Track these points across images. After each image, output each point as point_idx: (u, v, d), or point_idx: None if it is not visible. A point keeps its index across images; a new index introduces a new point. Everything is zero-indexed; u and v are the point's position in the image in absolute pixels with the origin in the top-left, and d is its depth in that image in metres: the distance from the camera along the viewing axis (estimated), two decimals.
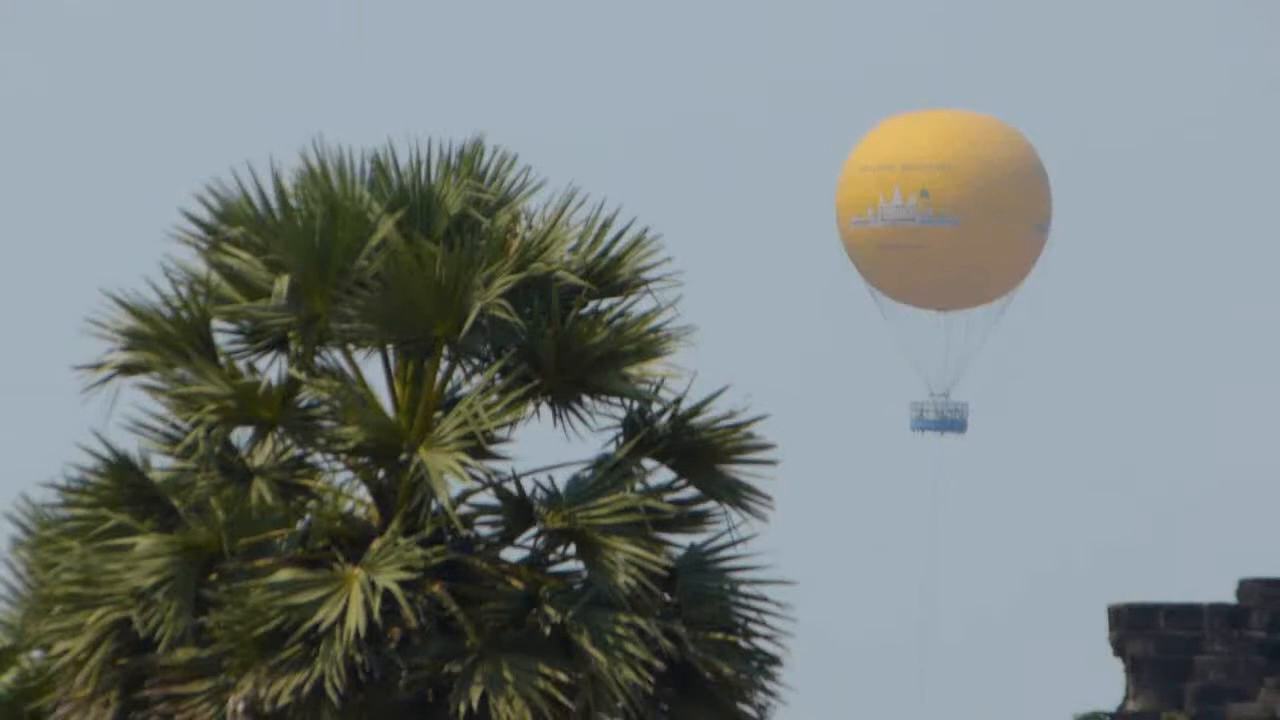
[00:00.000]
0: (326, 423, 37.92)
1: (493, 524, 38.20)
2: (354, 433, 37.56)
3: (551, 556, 38.06)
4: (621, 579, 36.96)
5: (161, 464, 38.01)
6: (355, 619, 35.67)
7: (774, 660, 38.55)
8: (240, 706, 36.61)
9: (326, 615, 35.80)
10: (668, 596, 37.45)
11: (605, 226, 38.35)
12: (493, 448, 37.61)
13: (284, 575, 36.37)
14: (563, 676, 36.57)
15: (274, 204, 37.86)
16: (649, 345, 37.95)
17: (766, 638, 38.39)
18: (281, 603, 36.02)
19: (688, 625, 37.50)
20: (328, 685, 35.94)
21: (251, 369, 38.32)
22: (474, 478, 37.56)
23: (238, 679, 36.42)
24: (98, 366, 37.96)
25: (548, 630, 36.85)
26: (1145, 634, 76.35)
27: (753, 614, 38.29)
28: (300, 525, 37.27)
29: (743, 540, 38.37)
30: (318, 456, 38.17)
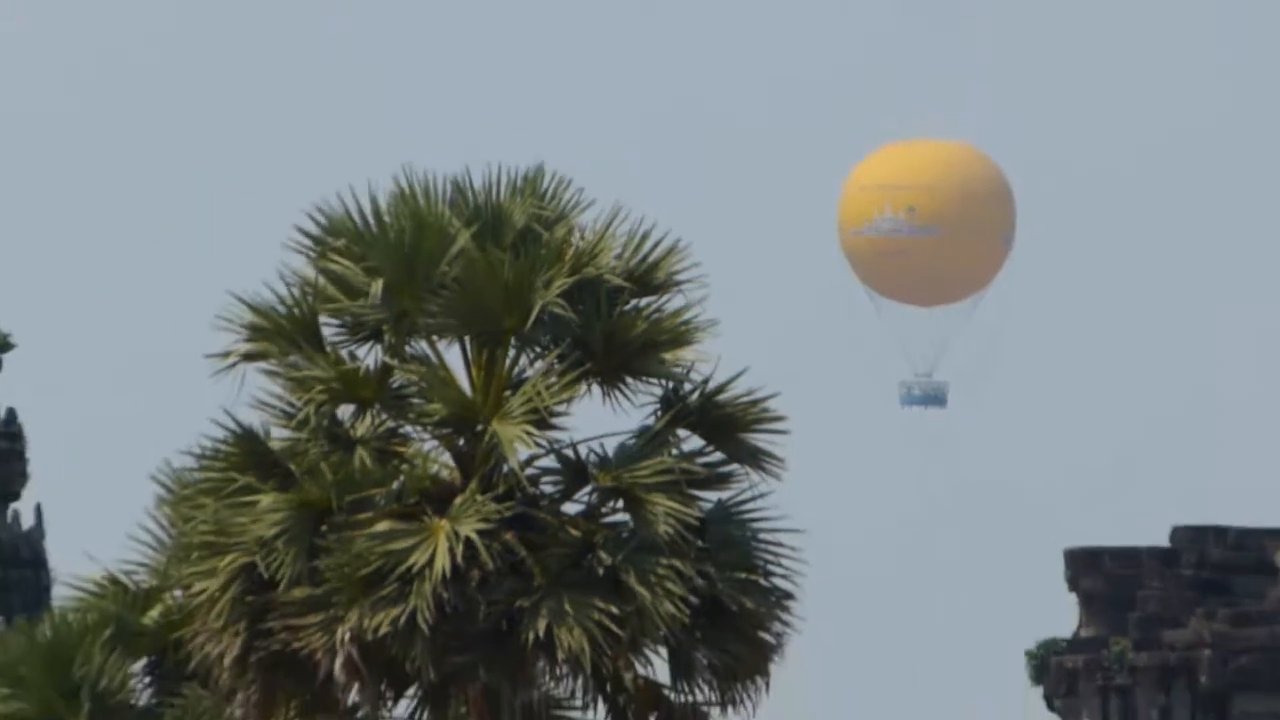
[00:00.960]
0: (415, 400, 38.45)
1: (554, 483, 38.63)
2: (438, 408, 38.09)
3: (603, 510, 38.51)
4: (661, 528, 37.42)
5: (279, 435, 38.52)
6: (441, 562, 36.09)
7: (788, 595, 38.97)
8: (347, 636, 37.02)
9: (418, 559, 36.26)
10: (700, 543, 37.84)
11: (644, 237, 38.77)
12: (553, 420, 38.12)
13: (382, 526, 36.88)
14: (614, 609, 36.93)
15: (370, 220, 38.36)
16: (681, 335, 38.44)
17: (782, 576, 38.83)
18: (380, 549, 36.49)
19: (717, 567, 37.89)
20: (419, 617, 36.38)
21: (352, 356, 38.77)
22: (538, 445, 38.06)
23: (345, 613, 36.82)
24: (226, 355, 38.48)
25: (601, 571, 37.23)
26: (1094, 573, 76.58)
27: (770, 557, 38.72)
28: (395, 485, 37.74)
29: (760, 496, 38.86)
30: (409, 428, 38.63)
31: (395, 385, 38.72)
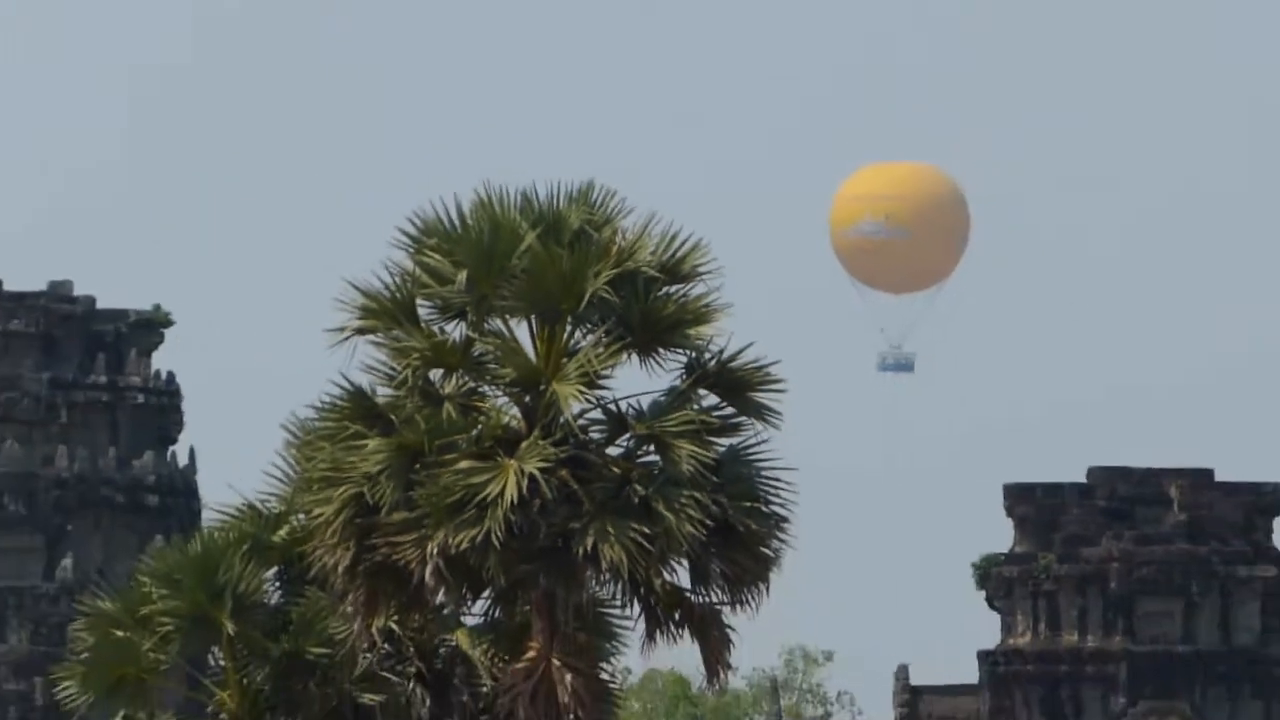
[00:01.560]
0: (491, 366, 38.92)
1: (600, 431, 38.99)
2: (509, 372, 38.51)
3: (639, 452, 38.91)
4: (684, 466, 37.77)
5: (383, 393, 38.96)
6: (510, 492, 36.44)
7: (784, 519, 39.30)
8: (435, 550, 37.39)
9: (492, 490, 36.61)
10: (714, 478, 38.18)
11: (673, 238, 39.15)
12: (600, 382, 38.50)
13: (464, 464, 37.31)
14: (646, 530, 37.29)
15: (456, 223, 38.77)
16: (702, 315, 38.76)
17: (779, 505, 39.18)
18: (462, 482, 36.87)
19: (728, 497, 38.21)
20: (493, 536, 36.76)
21: (442, 331, 39.22)
22: (587, 401, 38.46)
23: (434, 532, 37.22)
24: (342, 330, 38.97)
25: (636, 500, 37.57)
26: (1026, 502, 76.67)
27: (769, 489, 39.08)
28: (474, 432, 38.21)
29: (762, 442, 39.28)
30: (485, 388, 39.04)
31: (475, 354, 39.17)
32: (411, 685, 45.50)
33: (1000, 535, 72.26)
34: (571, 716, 38.50)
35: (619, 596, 39.92)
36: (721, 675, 45.37)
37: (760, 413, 39.81)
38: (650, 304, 38.98)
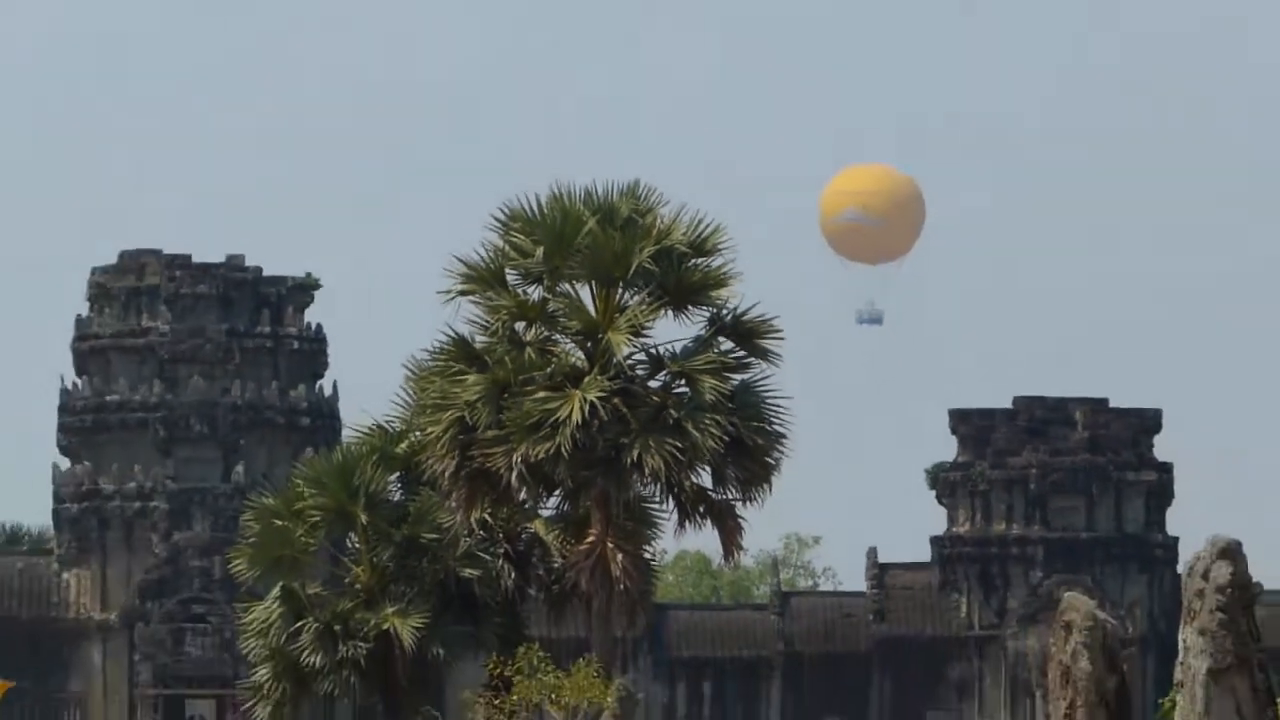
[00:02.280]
0: (561, 319, 38.98)
1: (643, 369, 39.08)
2: (575, 324, 38.62)
3: (673, 385, 38.92)
4: (708, 396, 37.86)
5: (480, 340, 38.94)
6: (575, 415, 36.48)
7: (782, 436, 39.33)
8: (519, 459, 37.78)
9: (562, 413, 36.68)
10: (730, 405, 38.27)
11: (699, 222, 39.44)
12: (644, 332, 38.56)
13: (540, 394, 37.30)
14: (678, 444, 37.34)
15: (535, 211, 38.83)
16: (721, 280, 38.93)
17: (779, 424, 39.20)
18: (540, 407, 36.93)
19: (740, 419, 38.20)
20: (562, 449, 36.85)
21: (524, 293, 39.20)
22: (634, 346, 38.53)
23: (518, 445, 37.31)
24: (449, 291, 39.06)
25: (671, 421, 37.63)
26: (966, 423, 75.85)
27: (771, 413, 39.11)
28: (549, 369, 38.23)
29: (767, 377, 39.32)
30: (557, 336, 39.03)
31: (550, 310, 39.19)
32: (500, 562, 45.62)
33: (947, 448, 71.89)
34: (621, 585, 38.57)
35: (657, 494, 40.03)
36: (735, 555, 46.26)
37: (765, 355, 39.93)
38: (681, 272, 38.94)
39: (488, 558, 45.70)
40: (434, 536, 46.00)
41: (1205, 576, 12.43)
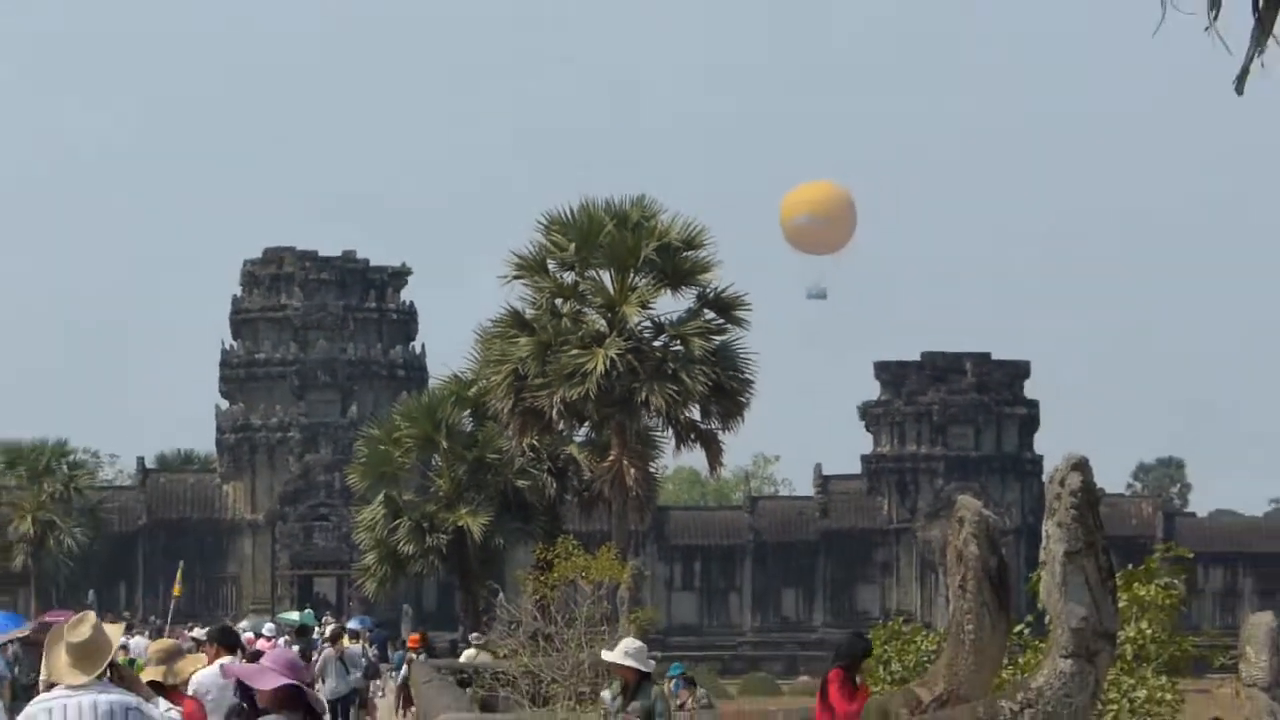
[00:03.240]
0: (589, 296, 38.61)
1: (649, 333, 38.68)
2: (599, 300, 38.24)
3: (671, 345, 38.53)
4: (697, 352, 37.61)
5: (530, 312, 38.67)
6: (599, 367, 36.11)
7: (751, 381, 38.98)
8: (558, 398, 37.30)
9: (589, 365, 36.30)
10: (713, 358, 37.99)
11: (689, 224, 39.23)
12: (650, 305, 38.36)
13: (574, 351, 36.93)
14: (675, 388, 37.08)
15: (569, 217, 38.49)
16: (705, 267, 38.54)
17: (749, 374, 38.93)
18: (573, 361, 36.59)
19: (720, 369, 37.93)
20: (589, 391, 36.56)
21: (561, 278, 38.96)
22: (642, 317, 38.35)
23: (557, 389, 37.13)
24: (505, 276, 38.94)
25: (669, 371, 37.37)
26: (885, 373, 75.45)
27: (743, 364, 38.82)
28: (580, 333, 37.84)
29: (739, 338, 39.10)
30: (585, 309, 38.67)
31: (580, 290, 38.75)
32: (544, 476, 45.72)
33: (872, 390, 71.64)
34: (633, 492, 38.39)
35: (660, 425, 39.71)
36: (717, 469, 46.23)
37: (738, 322, 39.47)
38: (676, 261, 38.51)
39: (535, 472, 46.12)
40: (495, 457, 46.38)
41: (1061, 483, 12.42)
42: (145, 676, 10.86)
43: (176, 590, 54.77)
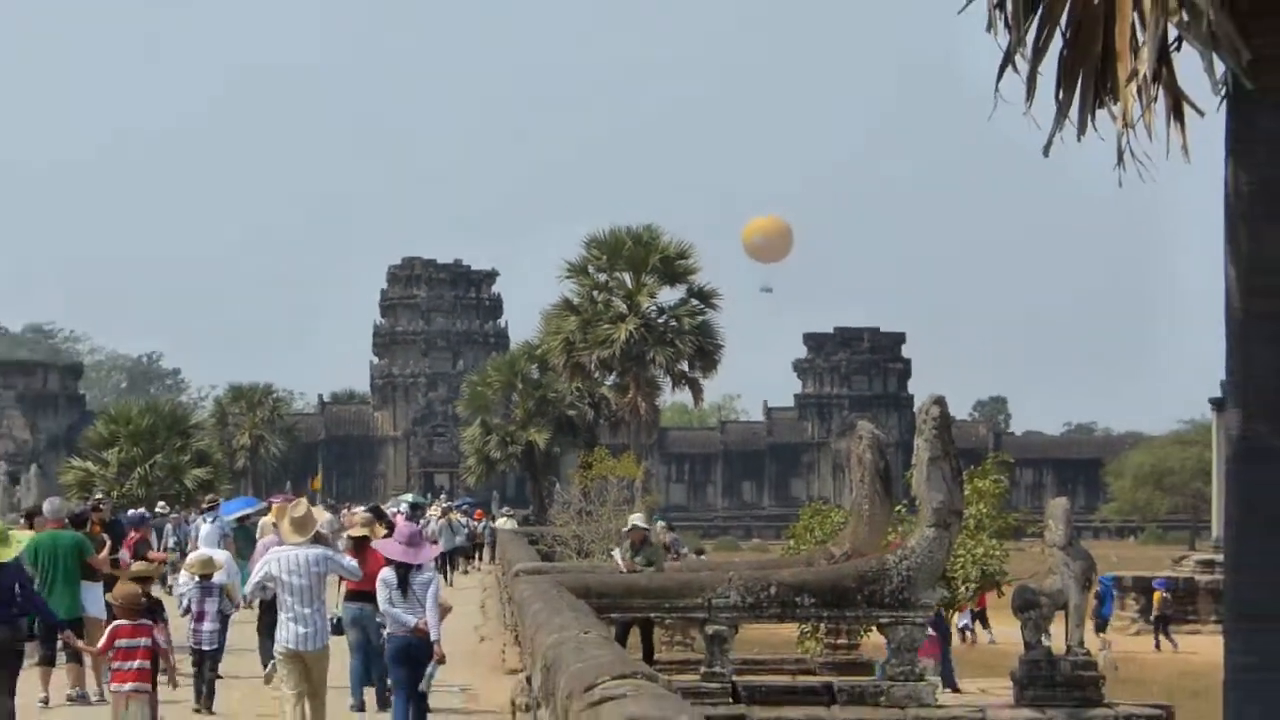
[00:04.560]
0: (615, 290, 38.17)
1: (655, 314, 38.01)
2: (621, 291, 37.73)
3: (670, 322, 37.88)
4: (686, 327, 37.13)
5: (577, 300, 38.33)
6: (622, 336, 36.23)
7: (721, 346, 38.57)
8: (595, 356, 37.11)
9: (616, 335, 36.34)
10: (697, 331, 37.57)
11: (682, 242, 38.75)
12: (656, 295, 37.87)
13: (606, 326, 36.97)
14: (672, 349, 36.84)
15: (605, 236, 38.06)
16: (693, 270, 38.14)
17: (720, 341, 38.64)
18: (605, 333, 36.52)
19: (702, 339, 37.54)
20: (616, 352, 36.72)
21: (596, 277, 38.77)
22: (651, 303, 37.75)
23: (594, 350, 36.96)
24: (560, 276, 38.66)
25: (669, 340, 36.96)
26: (812, 340, 74.81)
27: (717, 336, 38.44)
28: (610, 313, 37.66)
29: (714, 318, 38.63)
30: (613, 298, 38.55)
31: (609, 284, 38.16)
32: (586, 407, 45.55)
33: (801, 351, 70.72)
34: (644, 418, 37.96)
35: (662, 374, 39.05)
36: (699, 403, 46.14)
37: (714, 307, 38.64)
38: (673, 266, 37.85)
39: (579, 405, 46.36)
40: (554, 394, 46.48)
41: (926, 413, 12.44)
42: (354, 534, 11.05)
43: (316, 484, 56.47)
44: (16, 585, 8.37)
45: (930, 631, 15.29)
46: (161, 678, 8.27)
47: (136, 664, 7.98)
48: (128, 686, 7.96)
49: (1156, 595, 26.55)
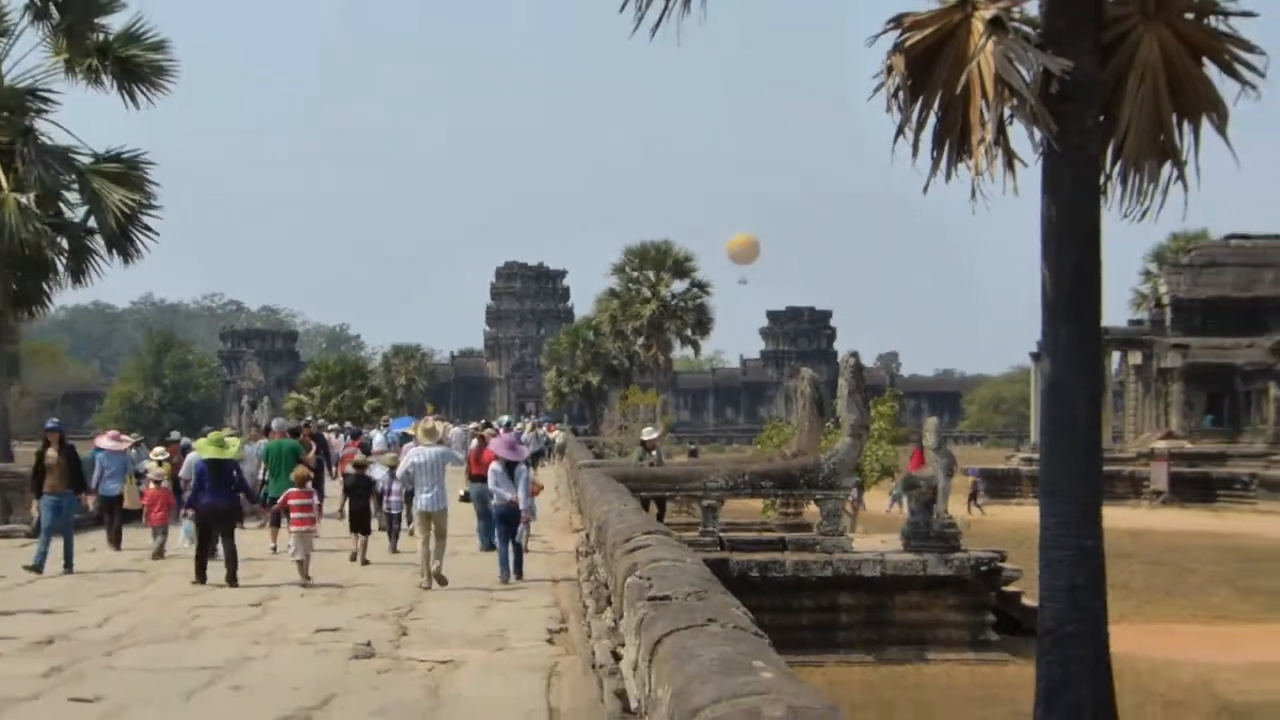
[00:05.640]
0: (642, 284, 37.19)
1: (673, 299, 37.09)
2: (646, 284, 36.94)
3: (677, 304, 37.01)
4: (691, 307, 36.57)
5: (617, 289, 37.30)
6: (648, 313, 35.66)
7: (712, 320, 37.76)
8: (631, 326, 36.30)
9: (643, 312, 35.83)
10: (696, 311, 37.10)
11: (685, 250, 37.90)
12: (671, 287, 37.10)
13: (636, 307, 36.26)
14: (680, 321, 36.39)
15: (635, 248, 37.38)
16: (694, 269, 37.45)
17: (711, 317, 38.12)
18: (637, 310, 35.76)
19: (699, 314, 37.10)
20: (644, 323, 36.27)
21: (630, 274, 37.58)
22: (667, 291, 37.09)
23: (630, 322, 36.28)
24: (609, 274, 38.05)
25: (678, 315, 36.61)
26: (772, 316, 72.72)
27: (710, 310, 37.86)
28: (639, 298, 36.51)
29: (708, 300, 37.79)
30: (644, 289, 37.31)
31: (638, 279, 37.51)
32: (624, 359, 42.99)
33: (764, 322, 67.73)
34: (662, 367, 37.77)
35: (675, 338, 37.74)
36: (697, 354, 45.17)
37: (708, 294, 37.99)
38: (682, 266, 37.29)
39: (619, 357, 44.74)
40: (603, 351, 45.43)
41: (845, 362, 12.48)
42: (425, 428, 10.77)
43: (431, 410, 55.75)
44: (234, 472, 8.80)
45: (854, 495, 15.59)
46: (315, 523, 9.18)
47: (302, 515, 8.84)
48: (297, 527, 8.80)
49: (970, 480, 26.20)
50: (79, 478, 9.56)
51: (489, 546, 10.10)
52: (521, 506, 8.73)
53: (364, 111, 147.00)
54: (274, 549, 10.41)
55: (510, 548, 8.77)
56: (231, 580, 8.33)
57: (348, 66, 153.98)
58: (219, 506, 8.51)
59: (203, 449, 8.78)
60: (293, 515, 8.83)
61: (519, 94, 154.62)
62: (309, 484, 9.20)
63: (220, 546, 8.65)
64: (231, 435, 9.69)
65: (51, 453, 9.18)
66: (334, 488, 12.53)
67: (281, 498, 9.24)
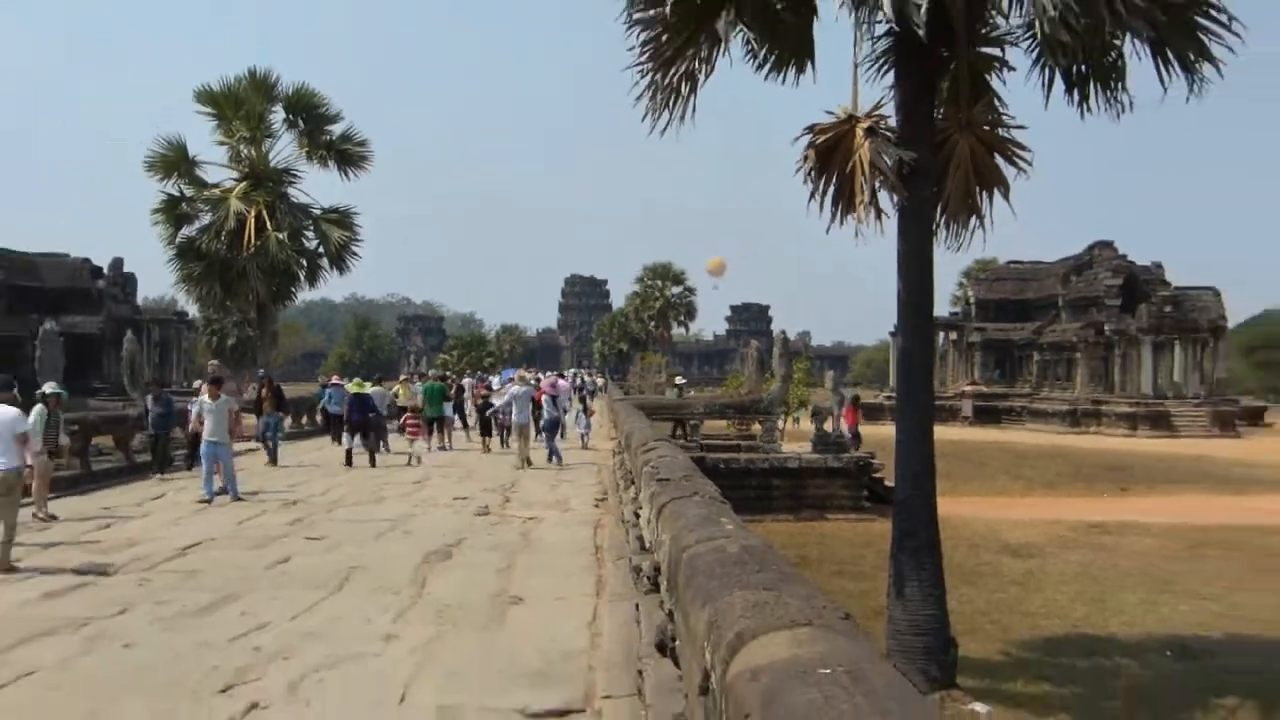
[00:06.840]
0: (657, 293, 36.93)
1: (672, 297, 36.33)
2: (658, 289, 36.26)
3: (677, 302, 36.39)
4: (684, 302, 35.93)
5: (642, 292, 35.71)
6: (658, 306, 34.72)
7: (696, 310, 37.77)
8: (649, 314, 34.90)
9: (659, 305, 35.77)
10: (687, 303, 36.37)
11: (679, 268, 38.15)
12: (670, 291, 36.78)
13: (651, 301, 36.47)
14: (676, 311, 35.81)
15: (649, 265, 37.08)
16: (685, 279, 37.23)
17: (696, 309, 37.57)
18: (653, 305, 36.50)
19: (688, 308, 36.25)
20: (656, 313, 35.15)
21: (649, 283, 37.16)
22: (672, 293, 36.77)
23: (649, 311, 35.79)
24: (634, 284, 37.05)
25: (677, 308, 36.01)
26: (734, 311, 69.75)
27: (695, 306, 37.44)
28: (654, 297, 36.48)
29: (694, 299, 37.13)
30: (656, 291, 37.18)
31: (651, 285, 37.13)
32: (643, 334, 42.58)
33: (728, 312, 64.34)
34: (669, 340, 36.99)
35: (674, 322, 37.52)
36: (688, 331, 45.11)
37: (693, 295, 37.82)
38: (679, 278, 37.08)
39: (640, 335, 43.57)
40: (630, 330, 44.43)
41: (778, 338, 13.15)
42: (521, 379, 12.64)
43: (523, 367, 54.02)
44: (371, 401, 10.60)
45: (780, 424, 16.23)
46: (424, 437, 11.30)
47: (415, 427, 11.20)
48: (412, 437, 11.09)
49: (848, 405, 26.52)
50: (282, 403, 11.20)
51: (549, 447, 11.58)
52: (571, 422, 10.89)
53: (490, 171, 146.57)
54: (428, 448, 11.81)
55: (555, 444, 10.51)
56: (372, 463, 9.94)
57: (476, 135, 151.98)
58: (363, 421, 10.39)
59: (352, 389, 10.92)
60: (408, 428, 11.19)
61: (585, 156, 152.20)
62: (446, 408, 11.51)
63: (364, 444, 10.26)
64: (368, 381, 12.05)
65: (264, 391, 10.98)
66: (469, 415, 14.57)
67: (403, 418, 11.51)
